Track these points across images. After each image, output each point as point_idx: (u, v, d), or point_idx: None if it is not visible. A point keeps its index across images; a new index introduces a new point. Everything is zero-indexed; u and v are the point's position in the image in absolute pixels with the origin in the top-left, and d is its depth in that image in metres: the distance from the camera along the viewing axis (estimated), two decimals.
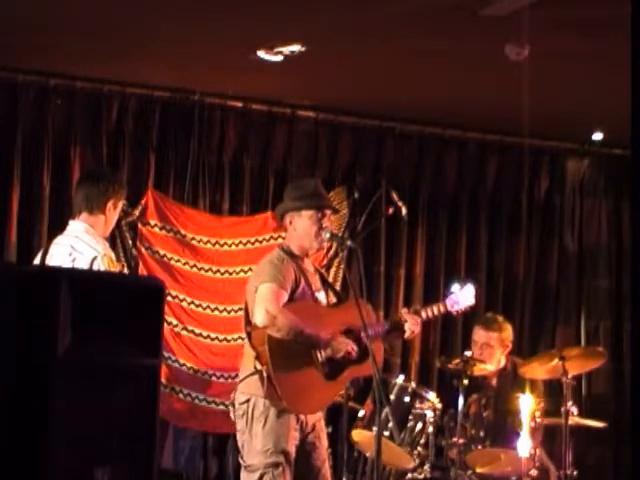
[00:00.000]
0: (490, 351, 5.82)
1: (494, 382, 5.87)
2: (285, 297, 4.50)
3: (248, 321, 4.61)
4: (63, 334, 2.37)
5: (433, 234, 7.15)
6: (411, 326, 4.73)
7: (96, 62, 5.98)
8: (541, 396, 5.62)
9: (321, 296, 4.71)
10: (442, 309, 4.98)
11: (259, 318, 4.46)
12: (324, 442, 4.68)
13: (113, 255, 4.54)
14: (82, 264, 4.35)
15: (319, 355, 4.52)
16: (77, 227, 4.56)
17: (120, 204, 4.71)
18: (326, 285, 4.83)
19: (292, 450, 4.48)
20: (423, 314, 4.85)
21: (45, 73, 6.19)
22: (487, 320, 5.97)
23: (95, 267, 4.33)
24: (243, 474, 4.54)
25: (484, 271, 7.19)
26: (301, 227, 4.69)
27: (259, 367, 4.45)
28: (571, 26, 5.02)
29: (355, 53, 5.62)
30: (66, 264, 4.37)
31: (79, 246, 4.45)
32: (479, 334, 5.91)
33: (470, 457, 5.39)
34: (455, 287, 5.05)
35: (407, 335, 4.78)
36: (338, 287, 6.27)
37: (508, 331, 5.93)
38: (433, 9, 4.89)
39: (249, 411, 4.50)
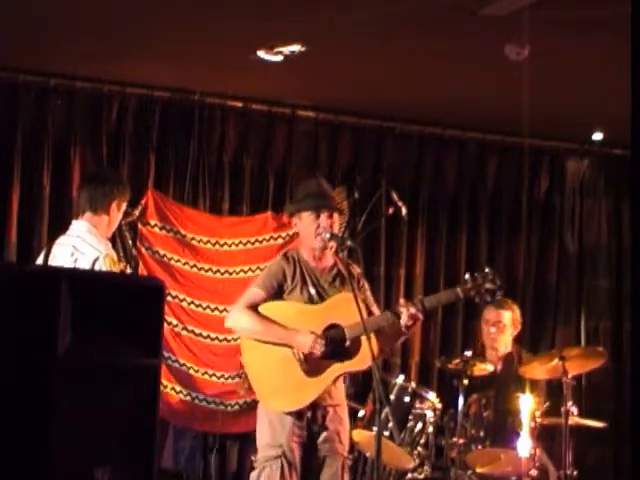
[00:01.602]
0: (502, 329, 5.93)
1: (499, 366, 5.88)
2: (261, 296, 4.59)
3: None
4: (63, 334, 2.37)
5: (433, 234, 7.15)
6: (404, 320, 4.46)
7: (96, 62, 5.98)
8: (542, 396, 5.63)
9: (324, 294, 4.69)
10: (453, 296, 4.61)
11: (227, 319, 4.71)
12: (342, 451, 4.62)
13: (115, 255, 4.55)
14: (84, 264, 4.36)
15: (296, 352, 4.54)
16: (80, 227, 4.56)
17: (124, 205, 4.72)
18: (342, 283, 4.72)
19: (293, 446, 4.50)
20: (428, 304, 4.51)
21: (45, 73, 6.19)
22: (498, 301, 5.97)
23: (97, 267, 4.34)
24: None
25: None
26: (301, 228, 4.72)
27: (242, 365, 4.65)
28: (571, 26, 5.03)
29: (355, 53, 5.62)
30: (68, 264, 4.37)
31: (81, 246, 4.46)
32: (491, 313, 5.98)
33: (470, 457, 5.39)
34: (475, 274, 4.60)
35: (402, 323, 4.47)
36: None
37: (518, 312, 6.05)
38: (433, 9, 4.89)
39: (259, 408, 4.64)
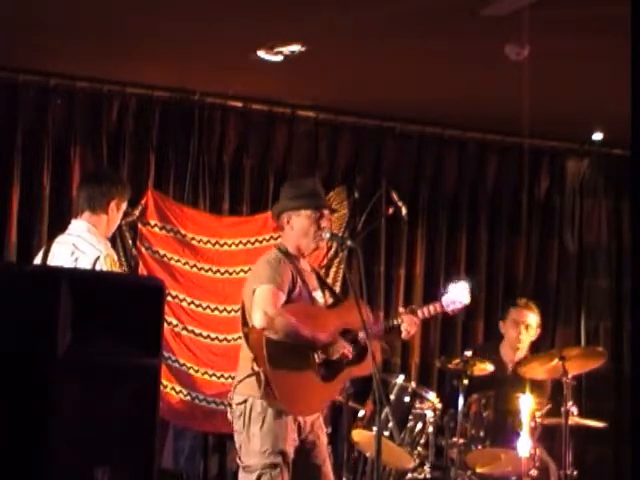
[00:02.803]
0: (531, 332, 6.00)
1: (510, 368, 5.89)
2: (282, 298, 4.47)
3: (245, 322, 4.58)
4: (63, 334, 2.37)
5: (433, 234, 7.15)
6: (407, 327, 4.68)
7: (96, 62, 5.98)
8: (546, 397, 5.63)
9: (318, 296, 4.70)
10: (438, 308, 4.92)
11: (257, 320, 4.41)
12: (323, 440, 4.65)
13: (115, 255, 4.54)
14: (84, 264, 4.35)
15: (316, 357, 4.51)
16: (79, 226, 4.56)
17: (123, 205, 4.71)
18: (323, 285, 4.81)
19: (290, 451, 4.46)
20: (419, 313, 4.79)
21: (45, 73, 6.19)
22: (526, 303, 6.09)
23: (98, 267, 4.34)
24: (241, 474, 4.53)
25: (484, 271, 7.19)
26: (299, 227, 4.65)
27: (256, 369, 4.43)
28: (571, 26, 5.02)
29: (355, 53, 5.62)
30: (68, 263, 4.37)
31: (82, 245, 4.46)
32: (522, 314, 6.02)
33: (470, 457, 5.39)
34: (450, 286, 5.00)
35: (404, 335, 4.73)
36: (338, 287, 6.30)
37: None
38: (433, 9, 4.89)
39: (246, 412, 4.48)
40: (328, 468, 4.65)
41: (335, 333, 4.55)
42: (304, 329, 4.46)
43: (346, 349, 4.53)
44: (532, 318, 6.02)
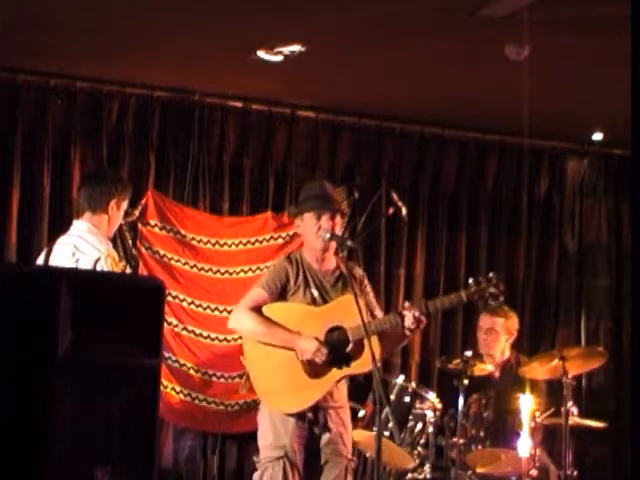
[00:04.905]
0: (495, 336, 5.94)
1: (497, 374, 5.88)
2: (264, 298, 4.62)
3: None
4: (63, 334, 2.37)
5: (433, 234, 7.15)
6: (408, 323, 4.50)
7: (96, 62, 5.98)
8: (542, 397, 5.63)
9: (327, 296, 4.69)
10: (456, 301, 4.60)
11: (230, 319, 4.74)
12: (346, 454, 4.65)
13: (116, 255, 4.55)
14: (85, 264, 4.36)
15: (298, 355, 4.55)
16: (80, 227, 4.57)
17: (124, 204, 4.71)
18: (344, 286, 4.71)
19: (295, 447, 4.52)
20: (431, 308, 4.54)
21: (45, 73, 6.18)
22: (493, 307, 6.02)
23: (99, 267, 4.34)
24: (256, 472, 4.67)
25: (484, 271, 7.17)
26: (303, 230, 4.76)
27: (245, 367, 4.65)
28: (571, 26, 5.02)
29: (355, 53, 5.62)
30: (69, 264, 4.37)
31: (82, 246, 4.46)
32: (484, 319, 6.03)
33: (470, 457, 5.39)
34: (479, 278, 4.61)
35: (406, 331, 4.54)
36: None
37: (513, 319, 6.07)
38: (433, 9, 4.89)
39: (261, 409, 4.66)
40: None
41: (303, 333, 4.54)
42: (272, 330, 4.55)
43: (313, 349, 4.48)
44: (497, 323, 5.99)
